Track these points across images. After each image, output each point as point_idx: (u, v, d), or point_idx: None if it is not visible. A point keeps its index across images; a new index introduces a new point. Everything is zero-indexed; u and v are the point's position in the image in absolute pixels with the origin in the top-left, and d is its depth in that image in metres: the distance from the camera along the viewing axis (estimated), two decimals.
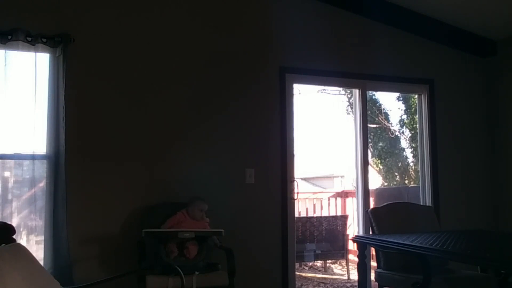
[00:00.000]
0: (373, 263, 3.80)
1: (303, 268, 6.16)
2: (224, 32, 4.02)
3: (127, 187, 3.61)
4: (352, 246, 5.50)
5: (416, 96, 4.90)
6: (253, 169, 3.95)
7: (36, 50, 3.39)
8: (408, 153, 7.51)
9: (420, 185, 4.73)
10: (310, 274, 5.89)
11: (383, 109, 7.44)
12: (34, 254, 2.27)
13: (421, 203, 4.59)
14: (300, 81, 4.32)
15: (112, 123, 3.64)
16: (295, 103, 4.20)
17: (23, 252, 2.14)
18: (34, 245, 3.38)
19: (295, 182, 4.12)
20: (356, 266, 3.40)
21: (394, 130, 7.62)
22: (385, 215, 3.63)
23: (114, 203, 3.57)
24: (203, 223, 3.40)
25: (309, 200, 6.73)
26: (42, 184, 3.41)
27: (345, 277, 5.70)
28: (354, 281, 5.12)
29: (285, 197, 4.04)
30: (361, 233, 4.32)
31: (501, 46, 4.81)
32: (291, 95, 4.20)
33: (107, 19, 3.71)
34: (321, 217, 6.22)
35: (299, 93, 5.58)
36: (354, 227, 5.39)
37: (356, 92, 4.55)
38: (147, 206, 3.58)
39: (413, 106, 6.57)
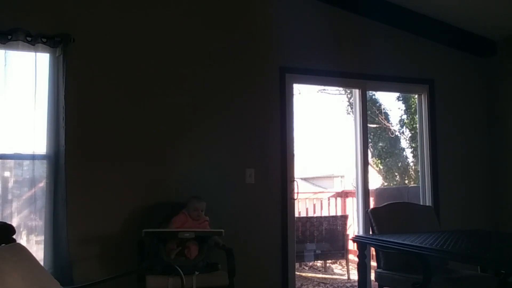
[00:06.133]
0: (373, 263, 3.80)
1: (303, 268, 6.15)
2: (224, 32, 4.02)
3: (127, 187, 3.61)
4: (352, 246, 5.50)
5: (416, 96, 4.89)
6: (253, 169, 3.95)
7: (36, 50, 3.39)
8: (408, 153, 7.51)
9: (420, 185, 4.73)
10: (310, 274, 5.89)
11: (383, 109, 7.44)
12: (34, 254, 2.27)
13: (421, 203, 4.59)
14: (300, 81, 4.33)
15: (112, 123, 3.64)
16: (295, 103, 4.21)
17: (23, 252, 2.13)
18: (34, 245, 3.39)
19: (295, 182, 4.12)
20: (356, 266, 3.40)
21: (394, 130, 7.62)
22: (385, 215, 3.63)
23: (114, 203, 3.57)
24: (203, 223, 3.40)
25: (309, 200, 6.74)
26: (42, 184, 3.41)
27: (345, 277, 5.70)
28: (354, 281, 5.12)
29: (285, 197, 4.04)
30: (361, 233, 4.32)
31: (501, 46, 4.81)
32: (291, 95, 4.20)
33: (107, 19, 3.71)
34: (321, 217, 6.22)
35: (299, 93, 5.59)
36: (354, 227, 5.39)
37: (356, 92, 4.55)
38: (147, 206, 3.58)
39: (413, 106, 6.57)
